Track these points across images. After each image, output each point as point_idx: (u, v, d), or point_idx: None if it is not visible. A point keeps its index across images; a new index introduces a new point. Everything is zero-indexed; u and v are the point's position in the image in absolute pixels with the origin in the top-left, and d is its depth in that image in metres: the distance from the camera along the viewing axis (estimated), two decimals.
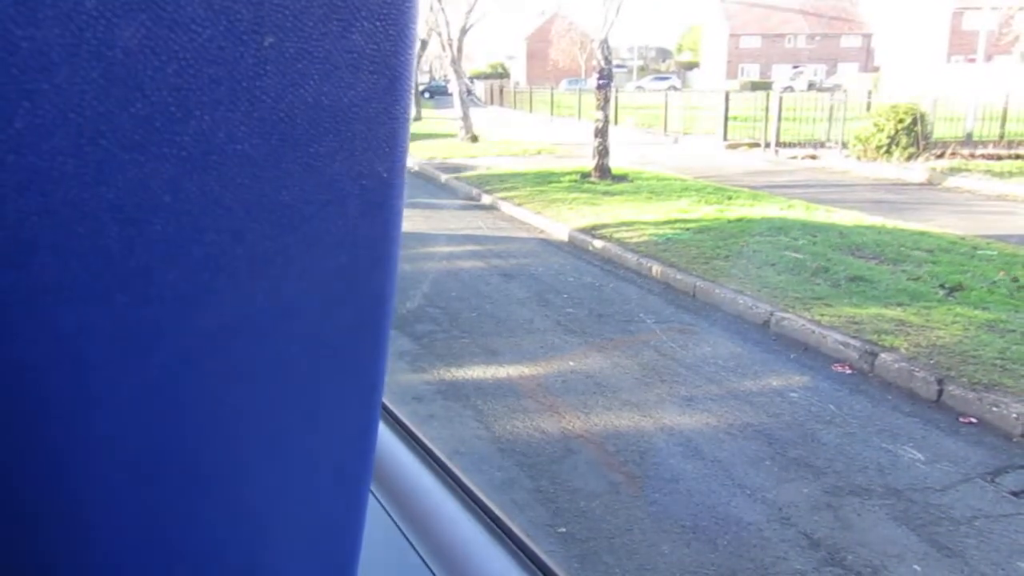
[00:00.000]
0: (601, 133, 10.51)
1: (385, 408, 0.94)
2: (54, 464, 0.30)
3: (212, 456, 0.34)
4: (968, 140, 13.29)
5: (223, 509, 0.35)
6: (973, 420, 3.76)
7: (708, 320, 5.34)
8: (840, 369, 4.43)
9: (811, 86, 43.01)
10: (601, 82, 10.23)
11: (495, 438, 3.58)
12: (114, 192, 0.28)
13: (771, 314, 5.14)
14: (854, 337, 4.61)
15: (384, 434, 0.89)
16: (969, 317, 4.85)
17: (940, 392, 3.98)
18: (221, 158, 0.30)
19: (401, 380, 4.29)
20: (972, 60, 36.47)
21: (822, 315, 4.99)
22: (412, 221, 9.06)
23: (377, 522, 0.75)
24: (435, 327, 5.15)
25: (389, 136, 0.35)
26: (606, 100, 10.37)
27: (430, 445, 0.89)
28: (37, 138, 0.26)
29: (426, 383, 4.23)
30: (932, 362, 4.20)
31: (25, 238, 0.27)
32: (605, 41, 10.19)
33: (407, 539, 0.74)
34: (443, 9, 16.18)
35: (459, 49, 16.55)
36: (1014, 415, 3.63)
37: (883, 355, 4.34)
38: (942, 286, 5.53)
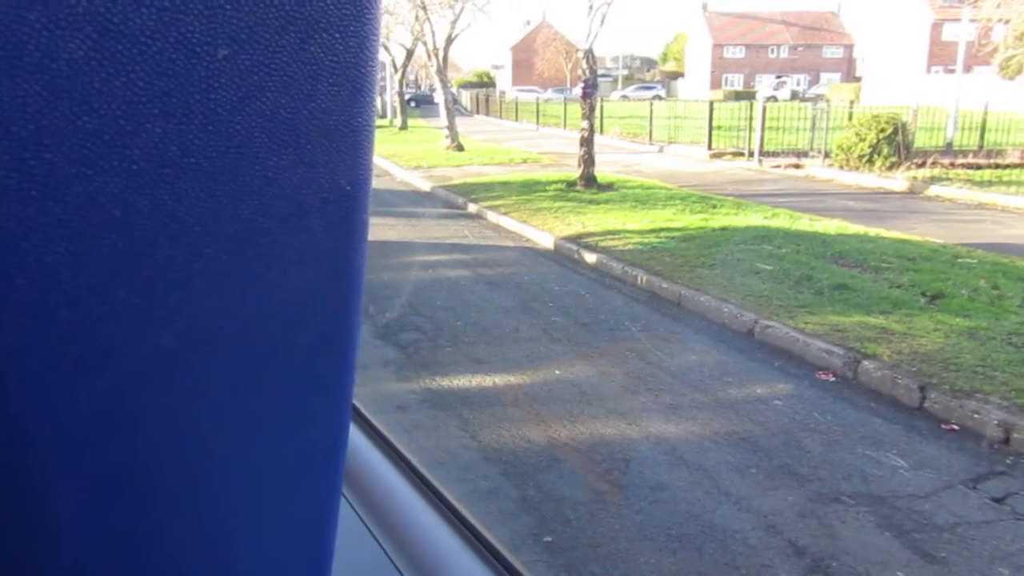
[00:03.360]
0: (587, 142, 10.55)
1: (357, 412, 0.94)
2: (9, 482, 0.30)
3: (174, 471, 0.33)
4: (948, 149, 13.46)
5: (189, 522, 0.35)
6: (955, 427, 3.79)
7: (693, 328, 5.36)
8: (824, 377, 4.45)
9: (794, 96, 43.40)
10: (586, 91, 10.28)
11: (481, 447, 3.57)
12: (61, 207, 0.27)
13: (755, 322, 5.16)
14: (838, 345, 4.64)
15: (357, 438, 0.89)
16: (951, 324, 4.89)
17: (922, 399, 4.01)
18: (175, 171, 0.29)
19: (386, 389, 4.28)
20: (951, 71, 36.99)
21: (806, 323, 5.02)
22: (397, 229, 9.05)
23: (349, 527, 0.75)
24: (420, 336, 5.13)
25: (352, 148, 0.35)
26: (591, 109, 10.41)
27: (403, 450, 0.89)
28: None
29: (411, 392, 4.21)
30: (914, 369, 4.23)
31: None
32: (590, 51, 10.25)
33: (378, 543, 0.74)
34: (428, 19, 16.22)
35: (445, 58, 16.59)
36: (995, 422, 3.67)
37: (866, 363, 4.37)
38: (924, 294, 5.59)
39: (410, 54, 23.34)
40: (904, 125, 11.46)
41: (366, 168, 0.36)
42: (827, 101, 21.05)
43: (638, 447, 3.58)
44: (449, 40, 16.46)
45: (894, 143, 11.15)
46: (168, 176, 0.29)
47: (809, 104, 15.64)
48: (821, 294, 5.68)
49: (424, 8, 16.06)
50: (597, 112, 11.55)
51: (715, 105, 16.14)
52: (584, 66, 10.30)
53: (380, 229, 8.94)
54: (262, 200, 0.32)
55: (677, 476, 3.29)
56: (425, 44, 16.68)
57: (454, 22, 16.50)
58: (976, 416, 3.74)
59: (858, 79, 51.18)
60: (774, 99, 40.05)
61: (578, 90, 10.85)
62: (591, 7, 10.21)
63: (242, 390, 0.34)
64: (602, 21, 9.99)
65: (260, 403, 0.35)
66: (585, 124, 10.51)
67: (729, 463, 3.42)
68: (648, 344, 5.00)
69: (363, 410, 0.97)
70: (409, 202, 11.31)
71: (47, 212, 0.27)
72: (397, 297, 6.02)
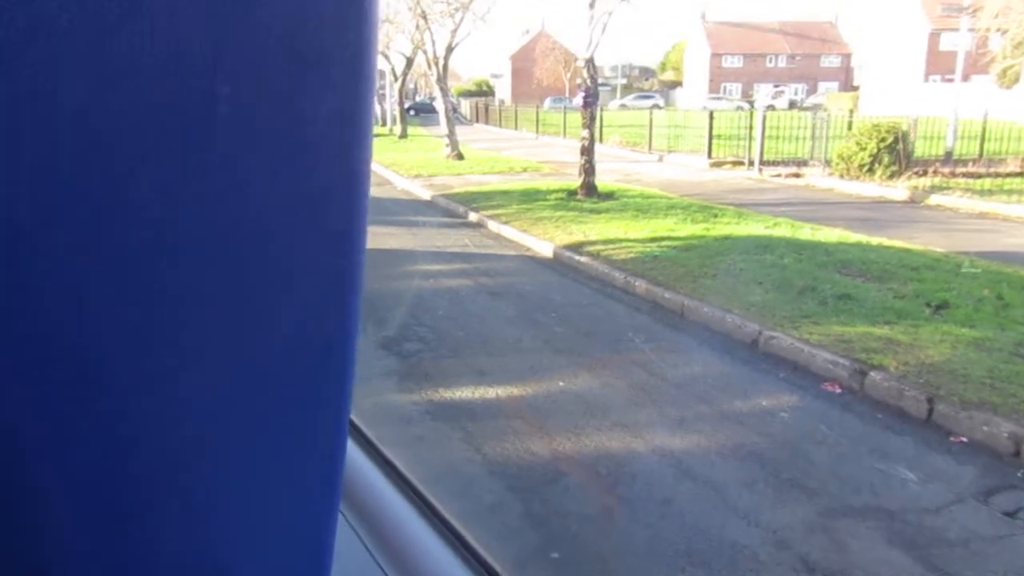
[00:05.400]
0: (587, 151, 10.53)
1: (355, 427, 0.95)
2: (2, 497, 0.31)
3: (169, 489, 0.34)
4: (948, 158, 13.46)
5: (185, 539, 0.35)
6: (964, 439, 3.75)
7: (697, 339, 5.33)
8: (830, 388, 4.41)
9: (792, 105, 43.51)
10: (587, 100, 10.27)
11: (485, 460, 3.53)
12: (59, 247, 0.28)
13: (759, 333, 5.13)
14: (843, 356, 4.60)
15: (354, 454, 0.89)
16: (956, 335, 4.86)
17: (930, 411, 3.97)
18: (171, 200, 0.30)
19: (388, 401, 4.24)
20: (949, 80, 37.10)
21: (810, 333, 4.99)
22: (398, 238, 9.02)
23: (346, 543, 0.75)
24: (422, 346, 5.09)
25: (347, 189, 0.36)
26: (592, 118, 10.40)
27: (400, 466, 0.90)
28: None
29: (414, 404, 4.17)
30: (922, 381, 4.19)
31: None
32: (591, 60, 10.24)
33: (375, 559, 0.74)
34: (429, 28, 16.23)
35: (445, 67, 16.60)
36: (1005, 434, 3.63)
37: (872, 374, 4.34)
38: (928, 304, 5.55)
39: (410, 62, 23.38)
40: (905, 134, 11.45)
41: (361, 209, 0.37)
42: (825, 110, 21.09)
43: (644, 460, 3.54)
44: (449, 49, 16.48)
45: (894, 152, 11.15)
46: (166, 203, 0.30)
47: (809, 113, 15.66)
48: (825, 304, 5.64)
49: (424, 17, 16.08)
50: (597, 121, 11.54)
51: (714, 114, 16.14)
52: (585, 75, 10.30)
53: (381, 238, 8.91)
54: (260, 233, 0.33)
55: (684, 490, 3.25)
56: (425, 53, 16.69)
57: (454, 31, 16.52)
58: (985, 428, 3.70)
59: (856, 88, 51.33)
60: (772, 108, 40.17)
61: (579, 99, 10.84)
62: (592, 17, 10.21)
63: (238, 409, 0.35)
64: (603, 30, 10.00)
65: (257, 422, 0.36)
66: (586, 133, 10.50)
67: (736, 477, 3.38)
68: (652, 355, 4.96)
69: (361, 425, 0.98)
70: (410, 211, 11.28)
71: (43, 255, 0.28)
72: (399, 306, 5.99)
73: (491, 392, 4.33)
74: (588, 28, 10.23)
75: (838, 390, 4.39)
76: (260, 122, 0.31)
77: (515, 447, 3.64)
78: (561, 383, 4.48)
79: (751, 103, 38.05)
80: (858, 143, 11.54)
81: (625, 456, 3.58)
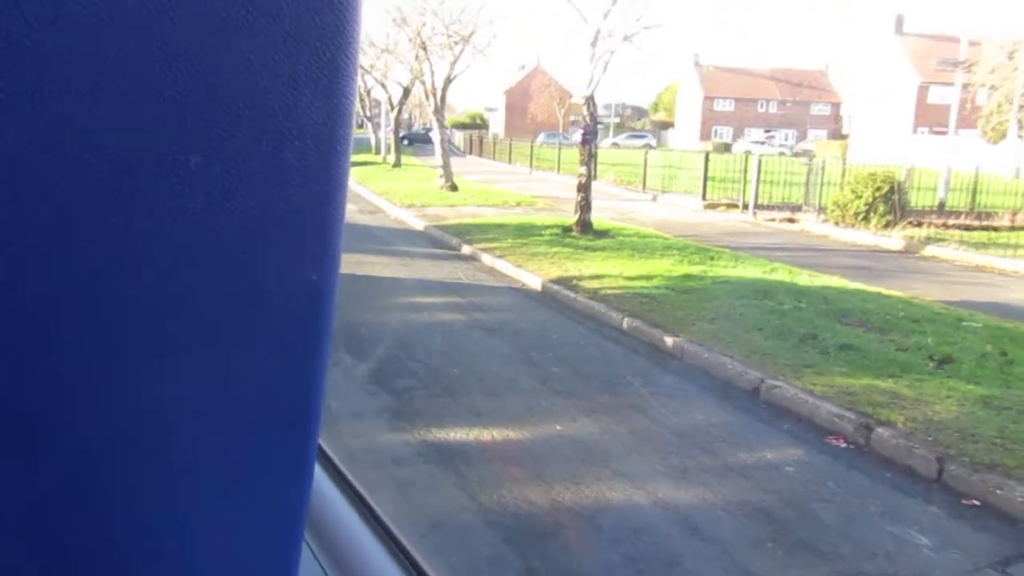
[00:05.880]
0: (584, 188, 10.48)
1: (323, 454, 0.95)
2: None
3: (130, 507, 0.34)
4: (941, 210, 13.54)
5: (147, 560, 0.35)
6: (976, 502, 3.62)
7: (697, 385, 5.20)
8: (835, 442, 4.28)
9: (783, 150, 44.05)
10: (586, 137, 10.25)
11: (480, 509, 3.35)
12: (22, 296, 0.29)
13: (761, 381, 5.01)
14: (848, 409, 4.48)
15: (321, 481, 0.89)
16: (963, 392, 4.76)
17: (940, 471, 3.84)
18: (139, 263, 0.31)
19: (380, 441, 4.06)
20: (938, 132, 37.73)
21: (814, 384, 4.87)
22: (391, 268, 8.88)
23: (309, 571, 0.76)
24: (415, 383, 4.93)
25: (321, 243, 0.36)
26: (590, 156, 10.37)
27: (367, 497, 0.90)
28: None
29: (406, 444, 4.00)
30: (930, 439, 4.07)
31: None
32: (591, 98, 10.24)
33: None
34: (428, 59, 16.27)
35: (443, 99, 16.61)
36: (1019, 498, 3.50)
37: (879, 429, 4.21)
38: (931, 357, 5.46)
39: (407, 92, 23.44)
40: (900, 184, 11.50)
41: (334, 261, 0.37)
42: (812, 157, 21.27)
43: (648, 514, 3.38)
44: (448, 81, 16.52)
45: (890, 202, 11.18)
46: (131, 264, 0.31)
47: (803, 159, 15.75)
48: (827, 354, 5.54)
49: (424, 48, 16.13)
50: (595, 159, 11.50)
51: (709, 156, 16.22)
52: (585, 112, 10.29)
53: (373, 267, 8.77)
54: (228, 290, 0.34)
55: (692, 549, 3.09)
56: (424, 83, 16.71)
57: (453, 63, 16.57)
58: (999, 492, 3.58)
59: (845, 136, 52.07)
60: (751, 153, 40.53)
61: (577, 136, 10.83)
62: (593, 55, 10.24)
63: (203, 429, 0.35)
64: (605, 68, 10.02)
65: (222, 444, 0.36)
66: (583, 170, 10.46)
67: (745, 535, 3.23)
68: (651, 400, 4.82)
69: (330, 453, 0.98)
70: (403, 241, 11.16)
71: (6, 302, 0.28)
72: (390, 340, 5.83)
73: (487, 434, 4.16)
74: (589, 66, 10.25)
75: (843, 444, 4.26)
76: (237, 140, 0.32)
77: (512, 495, 3.47)
78: (559, 427, 4.32)
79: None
80: (854, 191, 11.57)
81: (628, 509, 3.42)
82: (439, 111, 16.47)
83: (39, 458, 0.30)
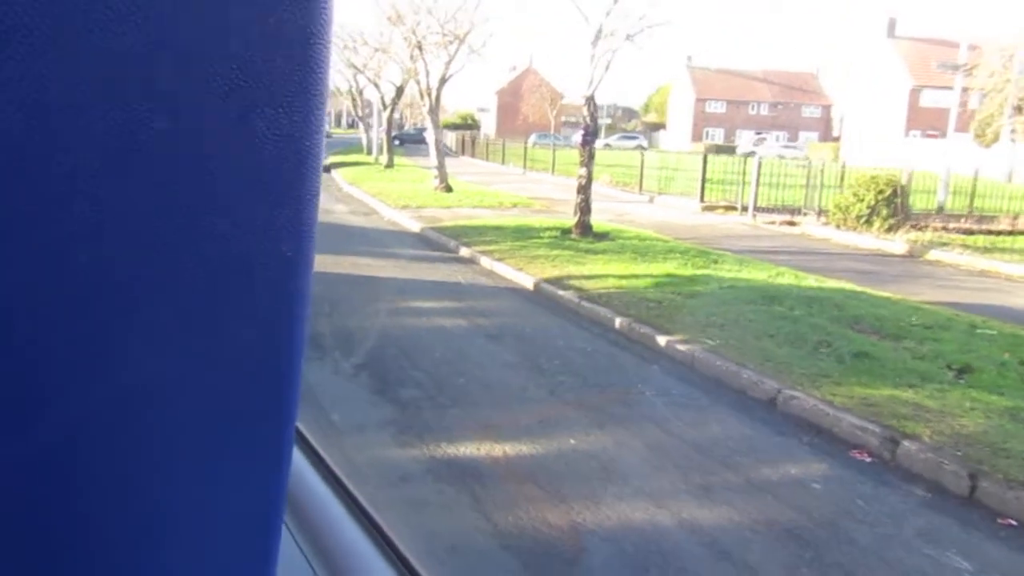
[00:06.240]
0: (584, 189, 10.30)
1: (301, 436, 0.95)
2: None
3: (108, 491, 0.34)
4: (939, 213, 13.44)
5: (126, 543, 0.35)
6: (1012, 522, 3.46)
7: (711, 395, 5.02)
8: (859, 456, 4.12)
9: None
10: (586, 138, 10.07)
11: (497, 532, 3.16)
12: (7, 262, 0.29)
13: (779, 391, 4.84)
14: (871, 421, 4.31)
15: (300, 464, 0.88)
16: (987, 403, 4.60)
17: (973, 488, 3.68)
18: (115, 233, 0.30)
19: (386, 456, 3.86)
20: (930, 135, 37.80)
21: (833, 395, 4.71)
22: (387, 271, 8.68)
23: (289, 553, 0.74)
24: (420, 393, 4.73)
25: (294, 216, 0.35)
26: (590, 157, 10.18)
27: (344, 479, 0.89)
28: None
29: (415, 460, 3.80)
30: (960, 454, 3.91)
31: None
32: (592, 98, 10.06)
33: (314, 570, 0.74)
34: (423, 58, 16.05)
35: (437, 98, 16.38)
36: None
37: (905, 443, 4.05)
38: (950, 366, 5.31)
39: (399, 92, 23.19)
40: (903, 187, 11.37)
41: (309, 235, 0.37)
42: (807, 158, 21.19)
43: (673, 537, 3.20)
44: (443, 80, 16.28)
45: (892, 205, 11.05)
46: (107, 235, 0.30)
47: (799, 162, 15.63)
48: (843, 362, 5.38)
49: (420, 48, 15.90)
50: (595, 160, 11.24)
51: (701, 158, 16.07)
52: (585, 113, 10.10)
53: (370, 269, 8.56)
54: (202, 262, 0.33)
55: (724, 575, 2.91)
56: (418, 83, 16.49)
57: (448, 62, 16.35)
58: None
59: (836, 139, 52.16)
60: (753, 154, 40.59)
61: (577, 137, 10.65)
62: (594, 55, 10.06)
63: (181, 414, 0.35)
64: (607, 68, 9.84)
65: (200, 429, 0.36)
66: (583, 171, 10.27)
67: (777, 559, 3.05)
68: (666, 411, 4.64)
69: (307, 435, 0.98)
70: (398, 243, 10.95)
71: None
72: (391, 347, 5.62)
73: (499, 449, 3.97)
74: (590, 66, 10.07)
75: (868, 459, 4.09)
76: (206, 105, 0.31)
77: (530, 516, 3.28)
78: (573, 440, 4.14)
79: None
80: (856, 194, 11.44)
81: (652, 531, 3.24)
82: (434, 111, 16.25)
83: (15, 438, 0.30)
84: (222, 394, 0.36)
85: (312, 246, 0.37)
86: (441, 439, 4.03)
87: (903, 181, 11.46)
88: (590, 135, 10.12)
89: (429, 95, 16.07)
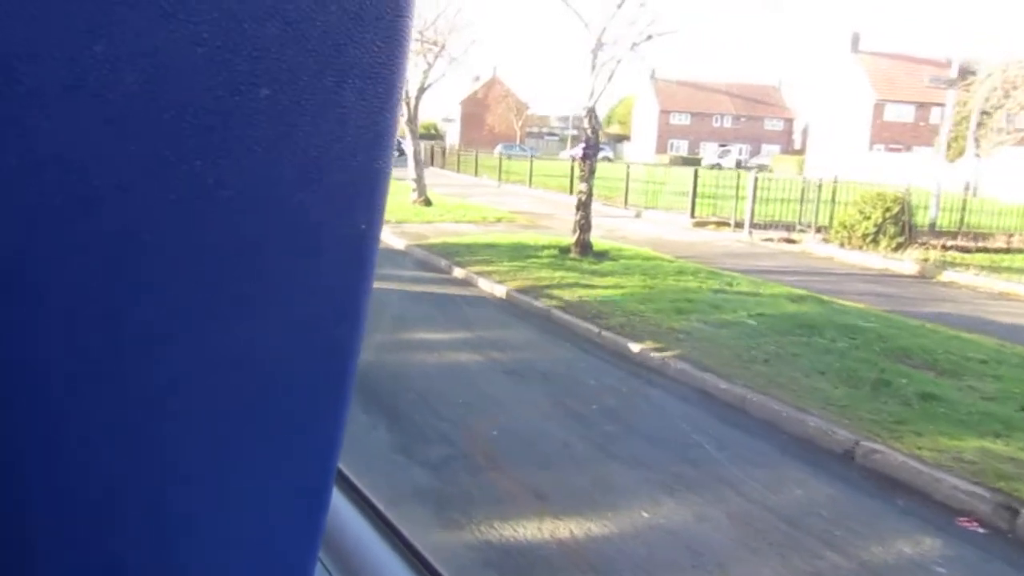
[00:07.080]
0: (584, 206, 9.73)
1: (343, 478, 0.87)
2: (10, 499, 0.30)
3: (142, 507, 0.33)
4: (932, 229, 13.18)
5: (156, 565, 0.34)
6: None
7: (778, 448, 4.45)
8: (969, 526, 3.58)
9: (738, 164, 44.18)
10: (587, 152, 9.50)
11: None
12: (97, 229, 0.28)
13: (856, 444, 4.29)
14: (975, 483, 3.78)
15: (340, 505, 0.79)
16: None
17: None
18: (207, 203, 0.30)
19: (433, 543, 3.18)
20: (893, 149, 38.24)
21: (919, 448, 4.17)
22: (378, 296, 7.96)
23: None
24: (451, 451, 4.07)
25: (370, 190, 0.35)
26: (591, 172, 9.61)
27: (389, 516, 0.81)
28: (26, 175, 0.26)
29: (467, 547, 3.13)
30: None
31: (6, 269, 0.27)
32: (592, 110, 9.51)
33: None
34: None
35: (416, 108, 15.72)
36: None
37: None
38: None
39: None
40: (909, 205, 11.03)
41: (380, 210, 0.36)
42: (771, 171, 21.01)
43: None
44: (422, 89, 15.64)
45: (900, 223, 10.69)
46: (200, 208, 0.30)
47: (763, 173, 15.29)
48: (910, 405, 4.86)
49: None
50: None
51: (677, 171, 15.65)
52: (586, 125, 9.54)
53: None
54: (285, 234, 0.32)
55: None
56: None
57: (427, 71, 15.71)
58: None
59: (798, 152, 52.70)
60: (719, 167, 40.61)
61: (577, 150, 10.09)
62: (595, 65, 9.52)
63: (222, 435, 0.34)
64: (609, 78, 9.30)
65: (240, 452, 0.34)
66: (583, 187, 9.70)
67: None
68: (734, 470, 4.05)
69: (343, 468, 0.85)
70: (385, 262, 10.22)
71: (85, 232, 0.28)
72: (407, 391, 4.94)
73: (562, 528, 3.32)
74: (591, 76, 9.52)
75: (980, 529, 3.55)
76: (304, 74, 0.31)
77: None
78: (644, 513, 3.52)
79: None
80: (861, 211, 11.06)
81: None
82: (413, 121, 15.59)
83: (97, 407, 0.30)
84: (293, 362, 0.34)
85: (381, 223, 0.36)
86: (492, 515, 3.37)
87: (908, 198, 11.10)
88: (591, 148, 9.55)
89: (408, 104, 15.39)
